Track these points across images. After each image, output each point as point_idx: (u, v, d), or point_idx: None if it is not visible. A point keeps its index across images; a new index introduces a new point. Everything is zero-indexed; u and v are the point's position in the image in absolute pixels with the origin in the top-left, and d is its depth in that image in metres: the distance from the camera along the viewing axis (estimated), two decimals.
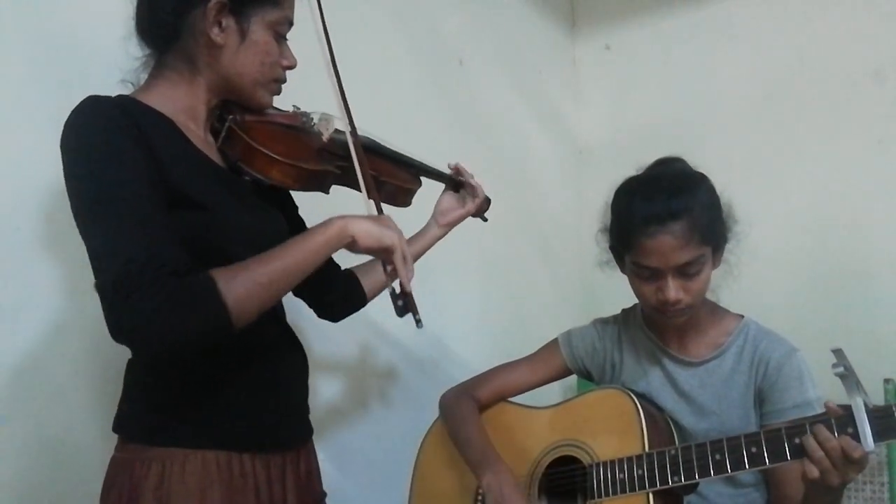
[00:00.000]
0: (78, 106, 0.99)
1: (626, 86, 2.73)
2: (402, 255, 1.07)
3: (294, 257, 0.99)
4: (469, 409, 1.52)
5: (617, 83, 2.76)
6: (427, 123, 2.10)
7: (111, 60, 1.15)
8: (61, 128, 0.98)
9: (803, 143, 2.29)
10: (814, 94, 2.28)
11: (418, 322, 1.07)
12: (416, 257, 1.40)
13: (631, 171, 1.40)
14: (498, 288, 2.36)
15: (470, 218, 1.51)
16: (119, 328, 0.89)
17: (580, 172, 2.79)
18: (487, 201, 1.51)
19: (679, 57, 2.57)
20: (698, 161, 1.39)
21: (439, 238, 1.47)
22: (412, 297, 1.07)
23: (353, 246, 1.05)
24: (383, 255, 1.08)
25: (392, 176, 1.28)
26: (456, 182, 1.45)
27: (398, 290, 1.08)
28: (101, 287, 0.90)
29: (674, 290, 1.27)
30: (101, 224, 0.93)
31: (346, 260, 1.39)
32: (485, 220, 1.54)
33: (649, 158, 1.41)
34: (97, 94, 1.01)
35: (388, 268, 1.09)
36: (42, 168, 1.24)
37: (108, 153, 0.95)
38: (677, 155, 1.41)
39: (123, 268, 0.88)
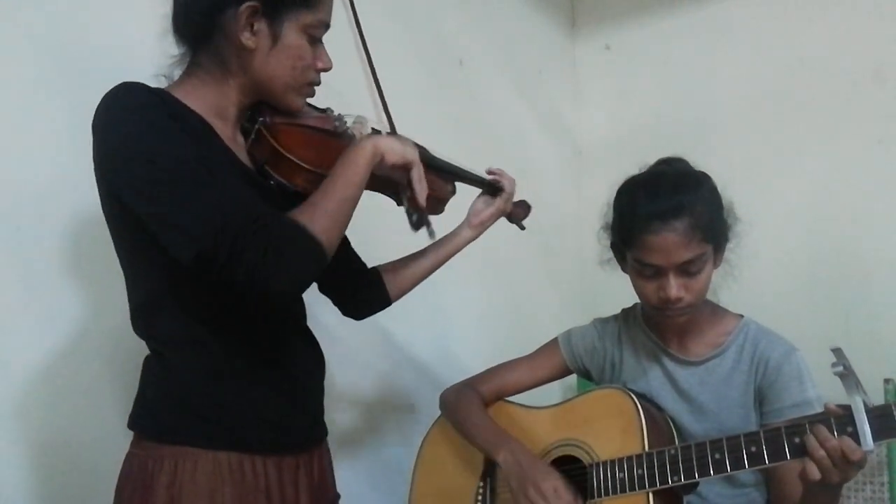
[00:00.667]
0: (112, 91, 0.99)
1: (626, 86, 2.72)
2: (419, 171, 1.11)
3: (348, 185, 1.02)
4: (473, 399, 1.52)
5: (617, 83, 2.76)
6: (427, 123, 2.10)
7: (118, 62, 1.15)
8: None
9: (803, 143, 2.29)
10: (814, 94, 2.28)
11: (431, 233, 1.18)
12: (448, 258, 1.43)
13: (631, 171, 1.40)
14: (498, 288, 2.36)
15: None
16: (245, 281, 0.91)
17: (580, 172, 2.79)
18: (528, 207, 1.49)
19: (679, 57, 2.57)
20: (699, 161, 1.39)
21: (471, 240, 1.45)
22: (425, 211, 1.14)
23: (380, 164, 1.07)
24: (403, 171, 1.11)
25: (428, 183, 1.27)
26: (494, 187, 1.43)
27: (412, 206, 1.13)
28: (203, 254, 0.91)
29: (675, 288, 1.27)
30: (177, 197, 0.94)
31: (368, 259, 1.40)
32: (522, 227, 1.52)
33: (649, 158, 1.41)
34: (129, 81, 1.00)
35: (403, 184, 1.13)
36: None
37: (160, 131, 0.96)
38: (678, 155, 1.41)
39: (225, 229, 0.90)
